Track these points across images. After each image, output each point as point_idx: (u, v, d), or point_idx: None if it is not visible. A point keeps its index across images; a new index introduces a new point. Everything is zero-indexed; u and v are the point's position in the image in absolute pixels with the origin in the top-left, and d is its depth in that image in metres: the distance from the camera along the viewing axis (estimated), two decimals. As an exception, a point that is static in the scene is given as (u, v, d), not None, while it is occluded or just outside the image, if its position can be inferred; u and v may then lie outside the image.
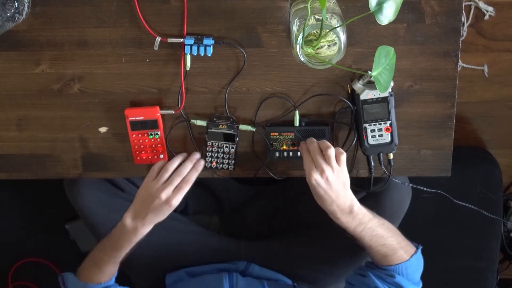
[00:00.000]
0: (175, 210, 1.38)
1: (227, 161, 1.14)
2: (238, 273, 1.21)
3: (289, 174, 1.16)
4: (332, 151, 1.02)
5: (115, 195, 1.24)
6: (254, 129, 1.12)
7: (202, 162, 1.12)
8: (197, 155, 1.13)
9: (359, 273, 1.16)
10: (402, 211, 1.25)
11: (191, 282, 1.24)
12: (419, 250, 1.14)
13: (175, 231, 1.29)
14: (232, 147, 1.13)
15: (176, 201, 1.07)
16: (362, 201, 1.20)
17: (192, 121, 1.12)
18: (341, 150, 1.04)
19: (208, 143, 1.13)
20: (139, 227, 1.09)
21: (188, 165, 1.10)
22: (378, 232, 1.08)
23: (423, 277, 1.58)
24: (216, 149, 1.13)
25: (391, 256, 1.10)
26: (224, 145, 1.13)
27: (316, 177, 1.01)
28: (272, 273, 1.28)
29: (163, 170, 1.09)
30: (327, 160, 1.02)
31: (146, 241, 1.25)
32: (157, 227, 1.26)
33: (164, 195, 1.06)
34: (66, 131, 1.14)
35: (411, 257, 1.12)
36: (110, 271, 1.15)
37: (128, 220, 1.09)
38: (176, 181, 1.08)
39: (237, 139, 1.12)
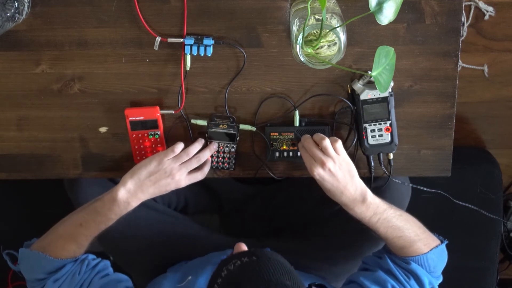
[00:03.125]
0: (175, 208, 1.39)
1: (227, 160, 1.14)
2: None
3: (289, 174, 1.16)
4: (327, 141, 1.01)
5: None
6: (254, 129, 1.12)
7: (214, 145, 1.13)
8: (215, 145, 1.13)
9: (376, 255, 1.14)
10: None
11: (196, 260, 1.24)
12: (443, 245, 1.12)
13: (175, 229, 1.29)
14: (233, 147, 1.13)
15: (185, 184, 1.09)
16: None
17: (193, 121, 1.12)
18: (335, 138, 1.03)
19: (208, 142, 1.13)
20: (133, 201, 1.06)
21: (207, 153, 1.12)
22: (394, 223, 1.06)
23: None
24: (217, 148, 1.13)
25: (408, 248, 1.07)
26: (225, 145, 1.13)
27: (318, 171, 1.00)
28: None
29: (183, 152, 1.09)
30: (324, 151, 1.01)
31: (145, 239, 1.26)
32: (155, 222, 1.26)
33: (178, 176, 1.07)
34: (66, 131, 1.14)
35: (430, 250, 1.08)
36: (87, 245, 1.10)
37: (121, 192, 1.05)
38: (193, 166, 1.09)
39: (238, 138, 1.12)
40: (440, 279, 1.13)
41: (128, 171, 1.07)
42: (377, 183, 1.17)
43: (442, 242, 1.12)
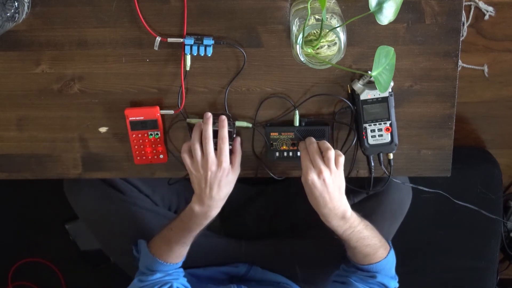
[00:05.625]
0: (176, 211, 1.39)
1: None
2: (242, 285, 1.20)
3: (289, 174, 1.16)
4: (332, 152, 1.02)
5: (115, 198, 1.24)
6: (250, 125, 1.11)
7: (223, 117, 1.06)
8: (208, 114, 1.06)
9: (338, 281, 1.17)
10: (402, 212, 1.25)
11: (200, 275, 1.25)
12: (391, 245, 1.17)
13: None
14: (230, 144, 1.12)
15: (225, 162, 1.04)
16: (362, 202, 1.20)
17: (188, 120, 1.11)
18: (340, 152, 1.04)
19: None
20: (208, 211, 1.07)
21: (208, 128, 1.04)
22: (365, 233, 1.10)
23: (423, 276, 1.59)
24: (214, 146, 1.12)
25: (373, 255, 1.12)
26: None
27: (312, 177, 1.01)
28: (274, 275, 1.27)
29: (192, 148, 1.05)
30: (326, 161, 1.02)
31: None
32: (157, 226, 1.27)
33: (213, 166, 1.03)
34: (66, 131, 1.14)
35: (388, 253, 1.14)
36: (179, 252, 1.13)
37: (196, 207, 1.06)
38: (210, 147, 1.04)
39: (234, 136, 1.12)
40: (397, 278, 1.18)
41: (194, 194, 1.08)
42: (376, 187, 1.18)
43: (389, 244, 1.17)
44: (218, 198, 1.06)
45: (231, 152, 1.08)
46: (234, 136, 1.11)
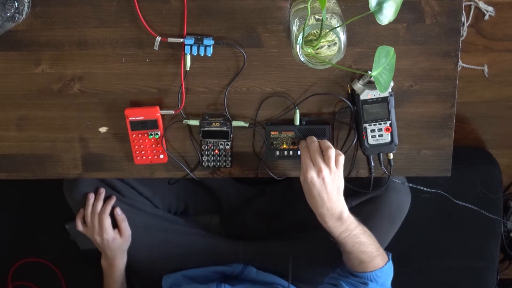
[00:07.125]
0: (175, 212, 1.39)
1: (223, 158, 1.14)
2: (226, 284, 1.21)
3: (289, 174, 1.16)
4: (332, 151, 1.02)
5: (115, 200, 1.24)
6: (247, 125, 1.11)
7: (113, 197, 1.23)
8: (101, 190, 1.22)
9: (330, 282, 1.16)
10: (400, 217, 1.24)
11: (197, 274, 1.25)
12: (390, 257, 1.15)
13: (174, 233, 1.29)
14: (227, 144, 1.12)
15: (106, 234, 1.21)
16: (360, 206, 1.20)
17: (185, 121, 1.11)
18: (340, 152, 1.04)
19: (203, 142, 1.13)
20: (111, 264, 1.26)
21: (98, 204, 1.21)
22: (361, 239, 1.09)
23: (423, 276, 1.59)
24: (212, 147, 1.13)
25: (368, 263, 1.11)
26: (219, 143, 1.12)
27: (312, 176, 1.01)
28: (269, 276, 1.27)
29: (86, 220, 1.23)
30: (326, 160, 1.02)
31: (144, 244, 1.26)
32: (155, 229, 1.27)
33: (97, 237, 1.22)
34: (66, 131, 1.14)
35: (385, 264, 1.12)
36: None
37: (102, 262, 1.27)
38: (95, 222, 1.21)
39: (231, 135, 1.12)
40: None
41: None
42: (375, 188, 1.17)
43: (388, 255, 1.16)
44: (113, 257, 1.25)
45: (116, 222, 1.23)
46: (232, 136, 1.11)
